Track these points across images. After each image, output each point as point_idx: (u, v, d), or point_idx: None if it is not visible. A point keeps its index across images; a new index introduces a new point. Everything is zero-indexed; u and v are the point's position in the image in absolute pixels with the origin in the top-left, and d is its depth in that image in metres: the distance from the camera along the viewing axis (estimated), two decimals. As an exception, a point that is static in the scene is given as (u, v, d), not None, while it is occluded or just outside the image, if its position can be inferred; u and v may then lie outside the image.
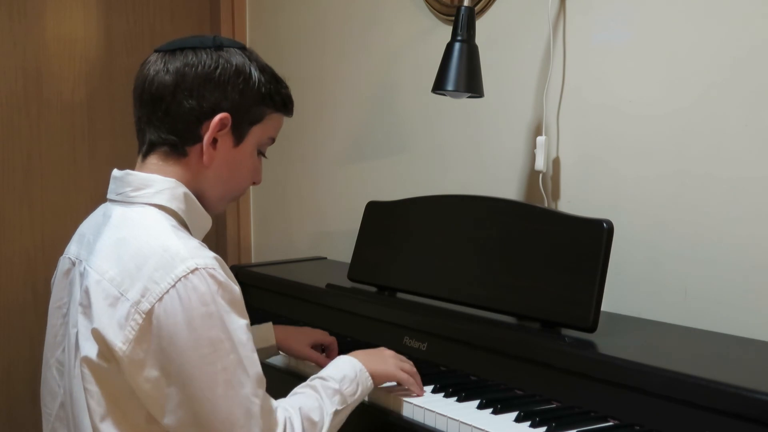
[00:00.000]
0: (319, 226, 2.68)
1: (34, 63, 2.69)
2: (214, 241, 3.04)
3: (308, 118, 2.68)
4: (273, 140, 1.38)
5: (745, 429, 1.10)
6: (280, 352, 1.68)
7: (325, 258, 2.51)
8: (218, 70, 1.26)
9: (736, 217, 1.54)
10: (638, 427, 1.24)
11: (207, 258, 1.17)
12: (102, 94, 2.82)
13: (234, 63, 1.28)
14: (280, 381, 1.64)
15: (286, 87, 1.36)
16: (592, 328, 1.39)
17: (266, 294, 2.15)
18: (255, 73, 1.30)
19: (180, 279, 1.14)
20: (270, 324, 1.66)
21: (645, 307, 1.66)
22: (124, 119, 2.82)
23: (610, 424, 1.26)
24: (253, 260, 2.99)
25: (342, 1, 2.55)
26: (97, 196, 2.75)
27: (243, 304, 1.20)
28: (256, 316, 2.06)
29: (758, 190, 1.50)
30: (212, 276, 1.15)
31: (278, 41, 2.83)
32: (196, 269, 1.15)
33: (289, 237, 2.84)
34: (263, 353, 1.60)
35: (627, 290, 1.69)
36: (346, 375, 1.32)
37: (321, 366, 1.59)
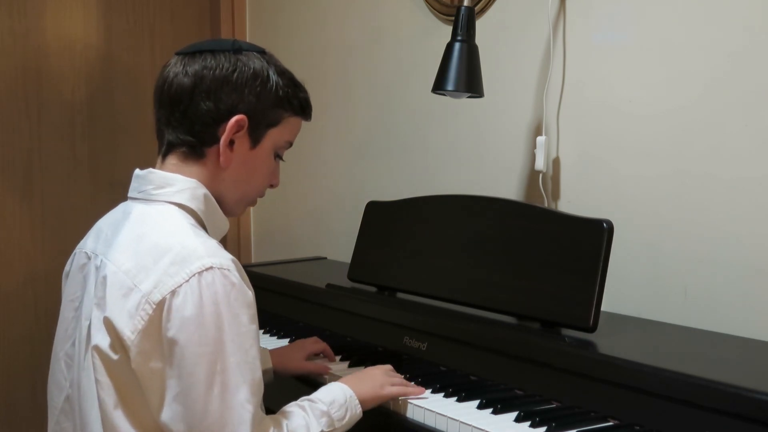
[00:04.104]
0: (319, 226, 2.68)
1: (34, 63, 2.70)
2: (214, 241, 3.04)
3: (308, 118, 2.67)
4: (290, 144, 1.39)
5: (745, 429, 1.10)
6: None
7: (325, 258, 2.51)
8: (236, 73, 1.28)
9: (736, 217, 1.54)
10: (638, 427, 1.24)
11: (224, 258, 1.19)
12: (102, 93, 2.82)
13: (252, 66, 1.30)
14: (279, 381, 1.64)
15: (305, 91, 1.38)
16: (592, 329, 1.39)
17: (266, 294, 2.14)
18: (273, 77, 1.31)
19: (194, 275, 1.15)
20: (266, 349, 1.65)
21: (645, 307, 1.66)
22: (124, 119, 2.84)
23: (610, 424, 1.26)
24: (253, 260, 2.99)
25: (342, 1, 2.55)
26: (97, 195, 2.77)
27: (254, 309, 1.20)
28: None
29: (758, 189, 1.50)
30: (226, 277, 1.17)
31: (278, 41, 2.83)
32: (212, 268, 1.16)
33: (289, 237, 2.84)
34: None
35: (627, 290, 1.69)
36: (335, 399, 1.31)
37: (322, 374, 1.60)
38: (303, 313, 1.99)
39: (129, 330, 1.16)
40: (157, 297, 1.15)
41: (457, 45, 1.73)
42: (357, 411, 1.33)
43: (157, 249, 1.19)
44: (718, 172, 1.57)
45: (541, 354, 1.40)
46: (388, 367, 1.47)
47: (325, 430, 1.27)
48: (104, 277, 1.21)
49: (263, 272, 2.23)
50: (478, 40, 1.76)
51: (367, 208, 1.94)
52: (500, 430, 1.26)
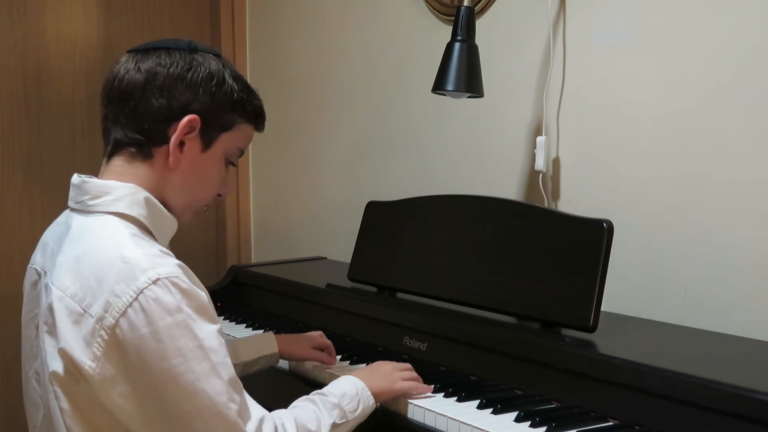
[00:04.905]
0: (319, 226, 2.68)
1: (34, 63, 2.69)
2: (215, 241, 3.04)
3: (308, 118, 2.68)
4: (242, 152, 1.34)
5: (745, 429, 1.10)
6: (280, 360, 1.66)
7: (325, 258, 2.51)
8: (191, 72, 1.24)
9: (736, 218, 1.54)
10: (638, 427, 1.24)
11: (169, 266, 1.14)
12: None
13: (207, 66, 1.26)
14: (283, 382, 1.64)
15: (259, 99, 1.33)
16: (592, 329, 1.39)
17: (266, 294, 2.15)
18: (228, 80, 1.27)
19: (142, 291, 1.10)
20: (271, 333, 1.65)
21: (645, 307, 1.66)
22: (124, 119, 2.84)
23: (610, 424, 1.26)
24: (253, 260, 2.99)
25: (342, 1, 2.55)
26: (97, 196, 2.76)
27: (212, 310, 1.16)
28: (256, 317, 2.07)
29: (758, 190, 1.50)
30: (175, 284, 1.12)
31: (278, 41, 2.83)
32: (158, 279, 1.11)
33: (289, 237, 2.84)
34: (266, 360, 1.59)
35: (627, 290, 1.69)
36: (346, 392, 1.30)
37: (325, 363, 1.60)
38: (303, 313, 1.99)
39: (88, 359, 1.11)
40: (110, 321, 1.10)
41: (457, 45, 1.73)
42: (370, 403, 1.32)
43: (99, 267, 1.14)
44: (718, 173, 1.57)
45: (541, 354, 1.40)
46: (395, 363, 1.46)
47: (337, 422, 1.25)
48: (51, 304, 1.17)
49: (263, 272, 2.23)
50: (478, 40, 1.76)
51: (367, 208, 1.94)
52: (500, 430, 1.26)
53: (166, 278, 1.12)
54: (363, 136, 2.49)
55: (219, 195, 1.35)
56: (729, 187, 1.55)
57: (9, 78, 2.65)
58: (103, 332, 1.11)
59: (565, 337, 1.42)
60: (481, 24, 1.88)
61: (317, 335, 1.68)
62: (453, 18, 1.79)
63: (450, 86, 1.72)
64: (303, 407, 1.26)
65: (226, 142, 1.29)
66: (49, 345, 1.17)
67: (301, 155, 2.73)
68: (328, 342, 1.68)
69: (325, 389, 1.31)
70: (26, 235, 2.70)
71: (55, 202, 2.74)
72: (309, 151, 2.70)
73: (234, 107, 1.28)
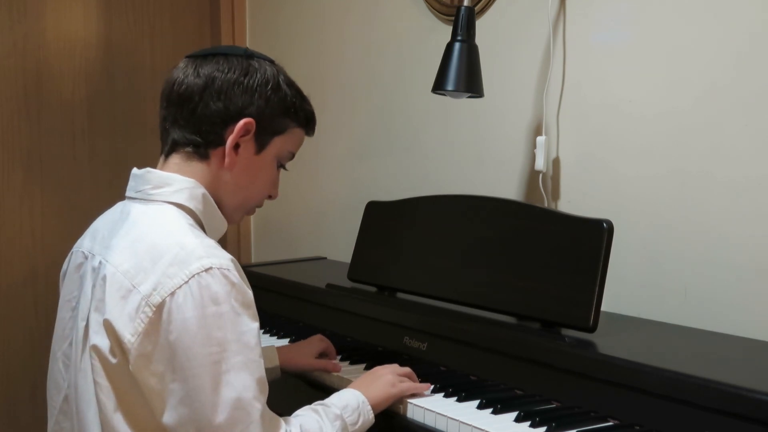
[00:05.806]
0: (319, 226, 2.68)
1: (34, 63, 2.69)
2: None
3: (308, 118, 2.67)
4: (293, 155, 1.41)
5: (745, 429, 1.10)
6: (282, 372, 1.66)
7: (325, 258, 2.51)
8: (247, 77, 1.30)
9: (736, 217, 1.54)
10: (638, 427, 1.24)
11: (222, 258, 1.19)
12: (102, 93, 2.82)
13: (264, 72, 1.32)
14: (287, 383, 1.64)
15: (311, 105, 1.40)
16: (592, 329, 1.39)
17: (266, 294, 2.14)
18: (283, 86, 1.33)
19: (194, 276, 1.15)
20: (273, 346, 1.67)
21: (645, 307, 1.66)
22: (124, 119, 2.84)
23: (610, 424, 1.26)
24: (253, 260, 2.99)
25: (342, 1, 2.55)
26: (97, 195, 2.77)
27: (254, 308, 1.21)
28: (256, 316, 2.07)
29: (758, 190, 1.50)
30: (226, 276, 1.17)
31: (278, 41, 2.83)
32: (211, 268, 1.16)
33: (289, 237, 2.84)
34: (267, 374, 1.60)
35: (627, 290, 1.69)
36: (348, 404, 1.32)
37: (329, 371, 1.60)
38: (303, 313, 1.99)
39: (129, 333, 1.15)
40: (156, 299, 1.15)
41: (457, 45, 1.73)
42: (369, 417, 1.34)
43: (155, 250, 1.19)
44: (718, 172, 1.57)
45: (541, 354, 1.40)
46: (395, 365, 1.46)
47: None
48: (104, 278, 1.21)
49: (263, 272, 2.23)
50: (478, 40, 1.76)
51: (367, 208, 1.94)
52: (500, 430, 1.26)
53: (218, 269, 1.17)
54: (363, 136, 2.49)
55: (269, 197, 1.42)
56: (729, 186, 1.55)
57: (9, 78, 2.65)
58: (148, 309, 1.15)
59: (565, 337, 1.42)
60: (481, 24, 1.88)
61: (317, 341, 1.69)
62: (453, 18, 1.79)
63: (450, 86, 1.72)
64: (307, 416, 1.28)
65: (278, 145, 1.36)
66: (94, 320, 1.21)
67: (301, 155, 2.72)
68: (330, 346, 1.68)
69: (327, 400, 1.33)
70: (26, 235, 2.70)
71: (55, 202, 2.74)
72: (309, 151, 2.69)
73: (287, 112, 1.34)
